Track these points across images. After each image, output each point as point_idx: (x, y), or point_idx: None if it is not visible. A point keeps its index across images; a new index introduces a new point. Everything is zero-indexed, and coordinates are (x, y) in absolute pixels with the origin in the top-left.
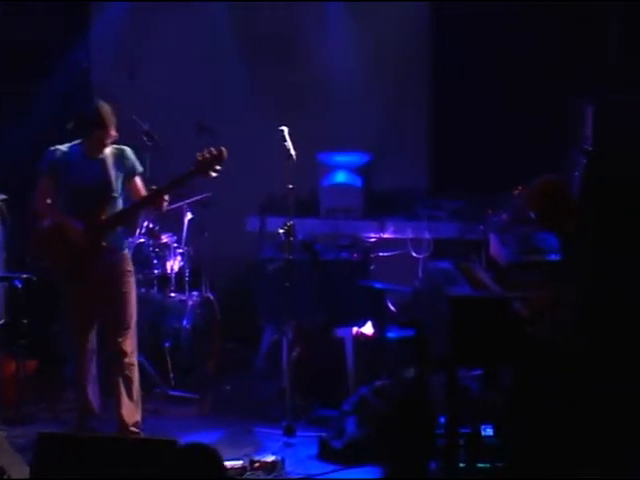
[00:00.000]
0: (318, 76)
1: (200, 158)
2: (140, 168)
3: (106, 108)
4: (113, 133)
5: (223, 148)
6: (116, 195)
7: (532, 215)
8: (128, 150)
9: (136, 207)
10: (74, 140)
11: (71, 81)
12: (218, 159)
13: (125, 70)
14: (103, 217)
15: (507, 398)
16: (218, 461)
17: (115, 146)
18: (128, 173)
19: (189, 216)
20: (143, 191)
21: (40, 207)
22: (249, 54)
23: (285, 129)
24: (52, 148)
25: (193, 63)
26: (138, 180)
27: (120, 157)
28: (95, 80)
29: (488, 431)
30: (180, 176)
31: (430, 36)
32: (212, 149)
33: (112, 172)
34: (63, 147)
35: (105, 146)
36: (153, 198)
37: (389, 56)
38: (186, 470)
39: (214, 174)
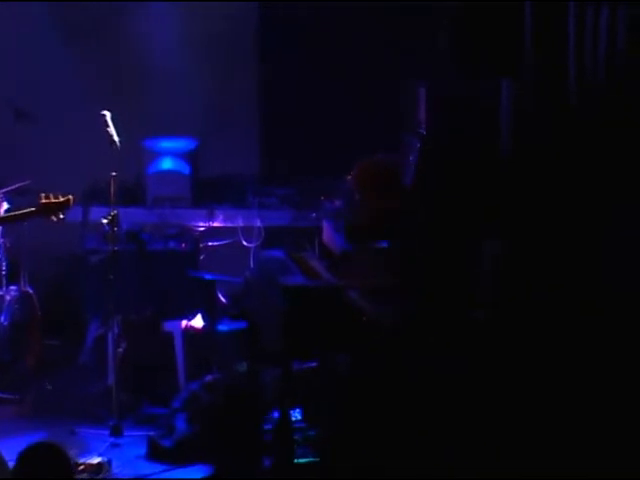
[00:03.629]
0: (141, 60)
1: (44, 201)
2: None
3: None
4: None
5: (70, 197)
6: None
7: (358, 196)
8: None
9: None
10: None
11: None
12: (63, 207)
13: None
14: None
15: (340, 391)
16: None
17: None
18: None
19: (5, 206)
20: None
21: None
22: (70, 37)
23: (107, 114)
24: None
25: (11, 46)
26: None
27: None
28: None
29: (297, 415)
30: (17, 214)
31: (259, 16)
32: (59, 196)
33: None
34: None
35: None
36: None
37: (215, 38)
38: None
39: (55, 219)
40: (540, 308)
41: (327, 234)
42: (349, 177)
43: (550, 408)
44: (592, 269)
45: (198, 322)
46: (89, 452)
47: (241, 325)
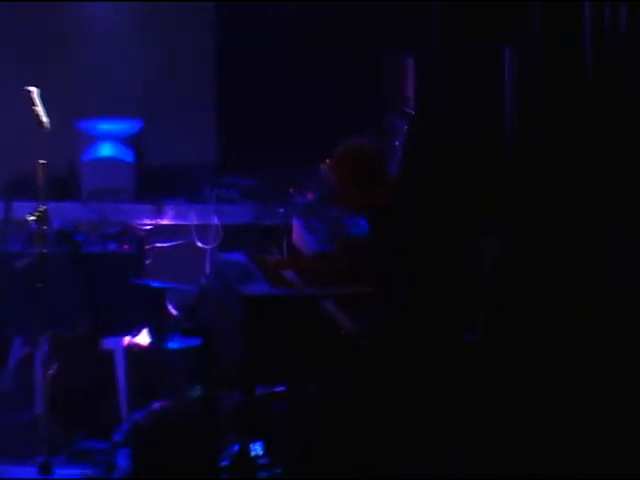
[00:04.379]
0: (75, 27)
1: None
2: None
3: None
4: None
5: None
6: None
7: (335, 188)
8: None
9: None
10: None
11: None
12: None
13: None
14: None
15: (311, 421)
16: None
17: None
18: None
19: None
20: None
21: None
22: None
23: (34, 90)
24: None
25: None
26: None
27: None
28: None
29: (257, 449)
30: None
31: None
32: None
33: None
34: None
35: None
36: None
37: (166, 9)
38: None
39: None
40: (539, 308)
41: (297, 233)
42: (325, 166)
43: (550, 408)
44: (592, 269)
45: (143, 339)
46: None
47: (195, 342)
